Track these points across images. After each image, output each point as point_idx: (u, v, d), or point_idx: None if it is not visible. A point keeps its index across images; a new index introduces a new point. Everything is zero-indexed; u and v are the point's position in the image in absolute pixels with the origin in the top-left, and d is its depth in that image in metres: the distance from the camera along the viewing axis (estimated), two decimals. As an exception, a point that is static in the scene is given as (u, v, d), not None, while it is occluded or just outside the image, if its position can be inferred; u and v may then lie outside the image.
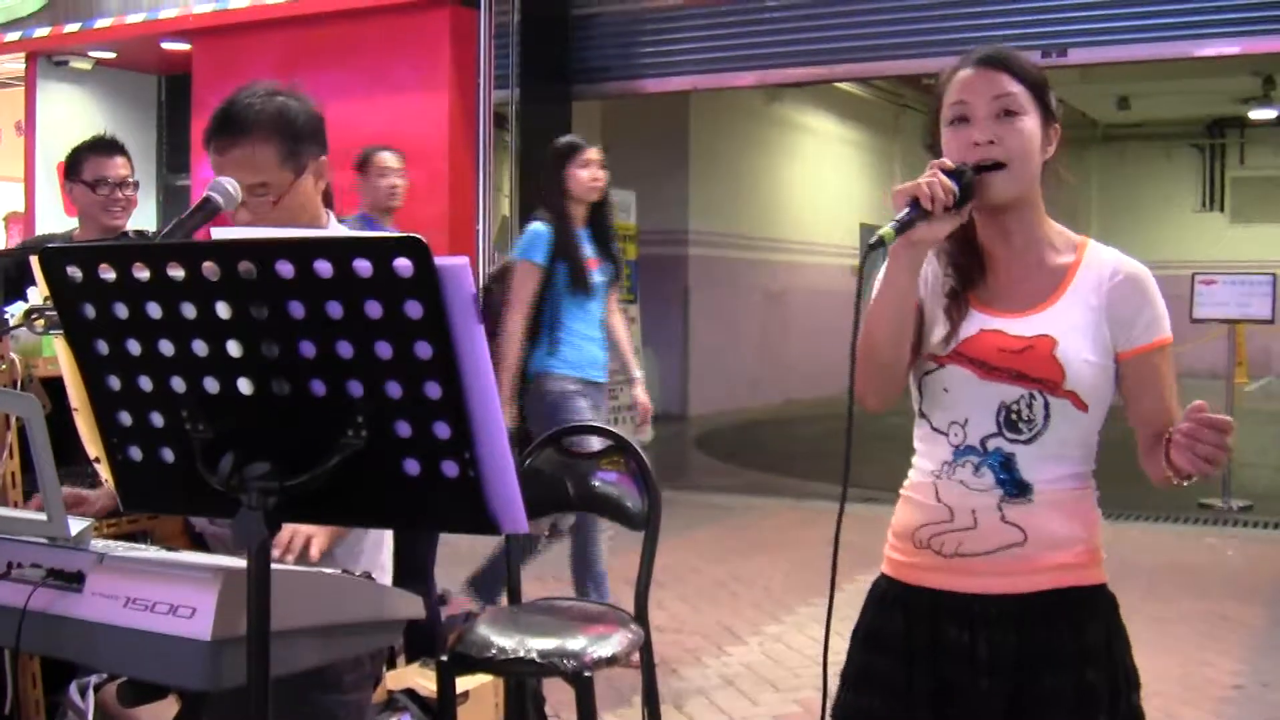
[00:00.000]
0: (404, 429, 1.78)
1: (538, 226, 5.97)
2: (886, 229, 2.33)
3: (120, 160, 4.90)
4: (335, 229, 3.03)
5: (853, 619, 2.67)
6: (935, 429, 2.53)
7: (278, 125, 2.87)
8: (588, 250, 6.04)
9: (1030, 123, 2.44)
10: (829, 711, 2.63)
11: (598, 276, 6.06)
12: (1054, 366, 2.40)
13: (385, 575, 3.10)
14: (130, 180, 4.90)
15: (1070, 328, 2.42)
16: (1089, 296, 2.45)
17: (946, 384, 2.50)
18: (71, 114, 11.77)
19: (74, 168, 4.89)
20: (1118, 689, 2.46)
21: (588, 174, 5.97)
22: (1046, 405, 2.41)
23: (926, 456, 2.56)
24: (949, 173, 2.37)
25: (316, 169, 2.96)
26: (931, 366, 2.51)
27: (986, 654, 2.45)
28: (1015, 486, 2.44)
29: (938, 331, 2.51)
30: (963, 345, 2.47)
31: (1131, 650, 2.53)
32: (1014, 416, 2.43)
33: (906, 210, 2.35)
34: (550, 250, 5.92)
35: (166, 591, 2.04)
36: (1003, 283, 2.51)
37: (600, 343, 6.17)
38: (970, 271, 2.53)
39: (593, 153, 6.02)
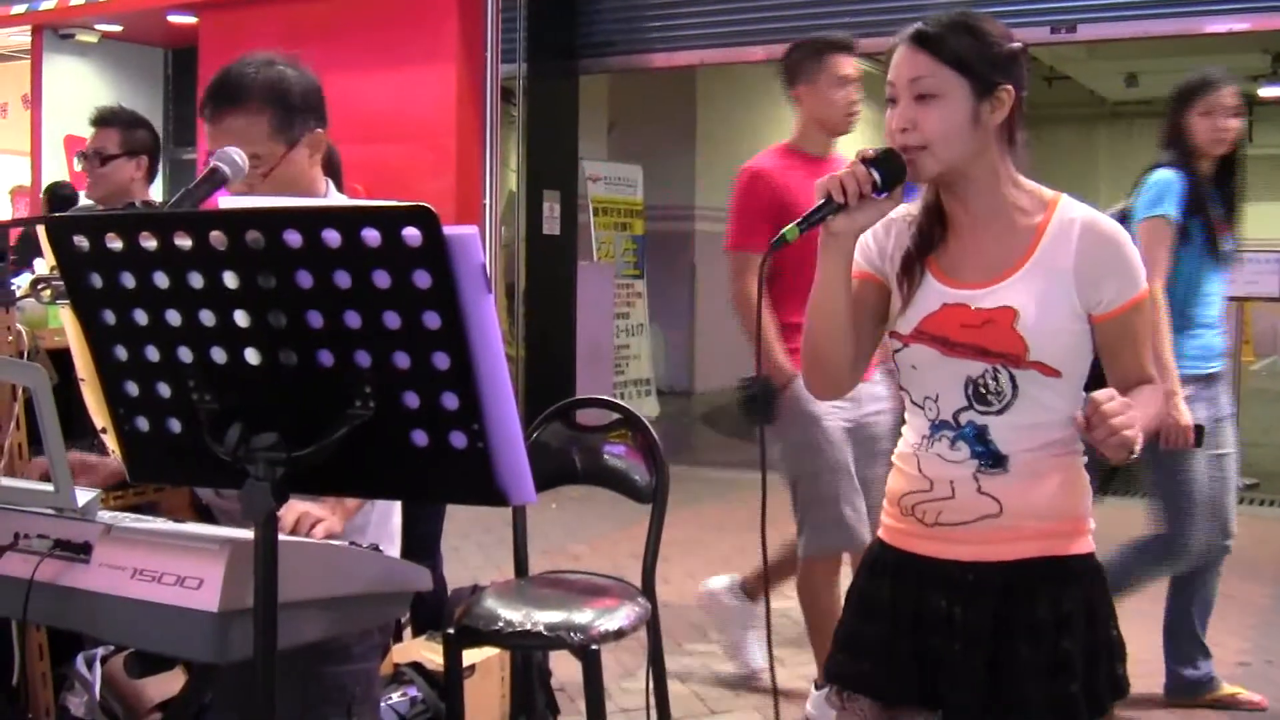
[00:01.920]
0: (412, 400, 1.78)
1: (1167, 174, 4.87)
2: (790, 227, 2.35)
3: (97, 132, 4.88)
4: (335, 200, 3.01)
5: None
6: (914, 403, 2.57)
7: (270, 95, 2.84)
8: (1216, 211, 4.96)
9: (948, 104, 2.41)
10: (824, 670, 2.71)
11: (1228, 244, 5.00)
12: (1014, 339, 2.40)
13: (394, 544, 3.10)
14: (108, 153, 4.82)
15: (1034, 296, 2.42)
16: (1057, 257, 2.44)
17: (914, 362, 2.53)
18: (77, 88, 11.74)
19: None
20: (1096, 658, 2.47)
21: (1212, 122, 4.89)
22: (1012, 377, 2.42)
23: (911, 428, 2.60)
24: (872, 160, 2.39)
25: (312, 141, 2.93)
26: (898, 345, 2.54)
27: (963, 621, 2.49)
28: (991, 458, 2.46)
29: (898, 305, 2.54)
30: (925, 323, 2.49)
31: (1115, 621, 2.54)
32: (982, 390, 2.45)
33: (817, 205, 2.38)
34: (1183, 204, 4.83)
35: (174, 563, 2.04)
36: (968, 252, 2.51)
37: (1219, 328, 5.03)
38: (931, 235, 2.54)
39: (1226, 96, 4.90)
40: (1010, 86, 2.44)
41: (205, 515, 3.24)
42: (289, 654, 2.77)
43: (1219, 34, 9.80)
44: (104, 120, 4.92)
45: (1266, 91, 20.07)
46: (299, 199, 2.59)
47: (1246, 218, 5.07)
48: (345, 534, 2.88)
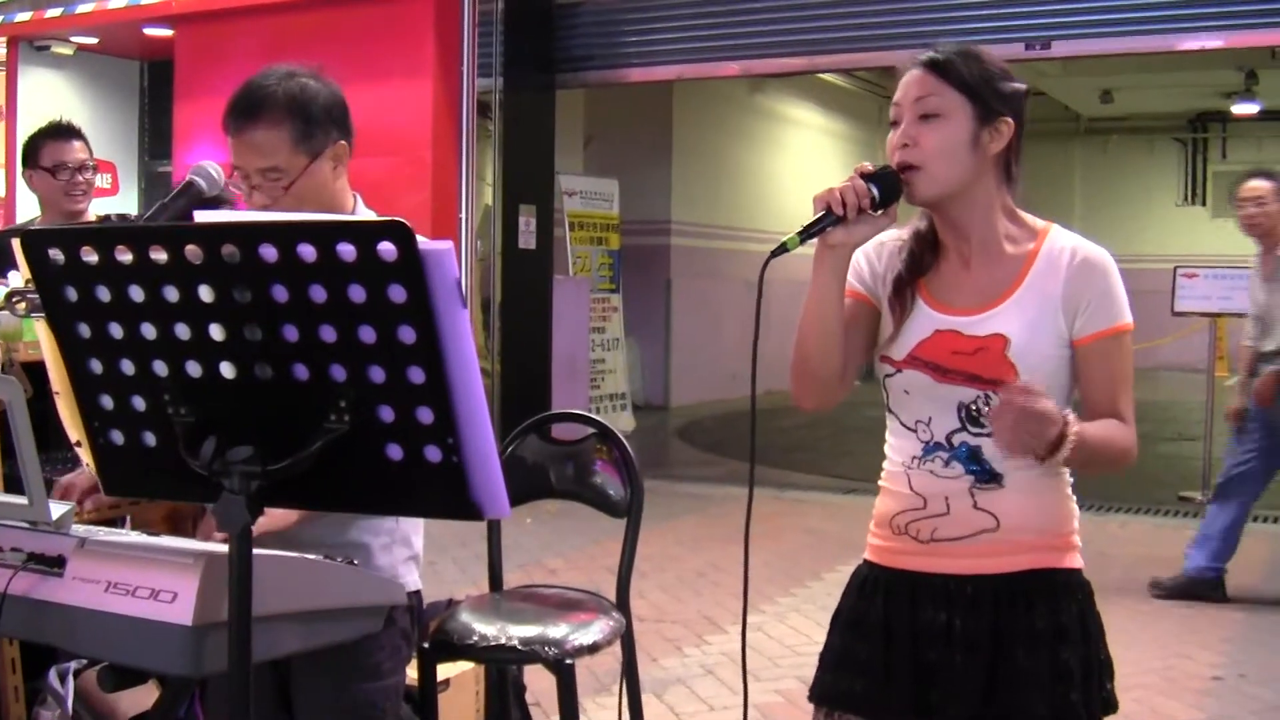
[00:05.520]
0: (387, 414, 1.78)
1: None
2: (791, 236, 2.38)
3: (78, 144, 4.92)
4: (363, 214, 2.98)
5: (832, 608, 2.70)
6: (904, 425, 2.57)
7: (291, 108, 2.81)
8: None
9: (950, 126, 2.43)
10: (809, 692, 2.68)
11: None
12: (1006, 367, 2.41)
13: (417, 534, 3.07)
14: (89, 164, 4.90)
15: (1025, 324, 2.43)
16: (1046, 284, 2.45)
17: (906, 387, 2.53)
18: (53, 99, 11.71)
19: (32, 155, 4.94)
20: (1090, 671, 2.49)
21: None
22: None
23: (898, 450, 2.59)
24: (871, 176, 2.41)
25: (335, 153, 2.89)
26: (890, 370, 2.55)
27: (962, 632, 2.49)
28: (986, 475, 2.47)
29: (889, 329, 2.55)
30: (917, 349, 2.50)
31: (1105, 639, 2.55)
32: (974, 413, 2.45)
33: (817, 216, 2.40)
34: None
35: (148, 576, 2.03)
36: (959, 278, 2.52)
37: None
38: (921, 260, 2.55)
39: None
40: (1011, 119, 2.47)
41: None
42: (321, 674, 2.78)
43: (1193, 51, 9.87)
44: (76, 133, 4.96)
45: (1239, 108, 20.21)
46: (319, 215, 2.58)
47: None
48: (376, 557, 2.90)
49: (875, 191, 2.39)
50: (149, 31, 11.42)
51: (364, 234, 1.68)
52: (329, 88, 2.91)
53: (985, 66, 2.47)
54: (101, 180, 11.63)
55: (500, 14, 10.59)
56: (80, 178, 4.87)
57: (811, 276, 2.47)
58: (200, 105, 9.84)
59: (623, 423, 13.16)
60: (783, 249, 2.37)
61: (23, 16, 11.62)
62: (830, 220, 2.40)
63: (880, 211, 2.42)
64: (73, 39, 11.97)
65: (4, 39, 11.95)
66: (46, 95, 11.84)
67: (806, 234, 2.40)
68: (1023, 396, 2.22)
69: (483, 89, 10.32)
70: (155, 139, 12.60)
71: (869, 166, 2.42)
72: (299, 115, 2.82)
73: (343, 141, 2.91)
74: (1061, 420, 2.24)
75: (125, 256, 1.82)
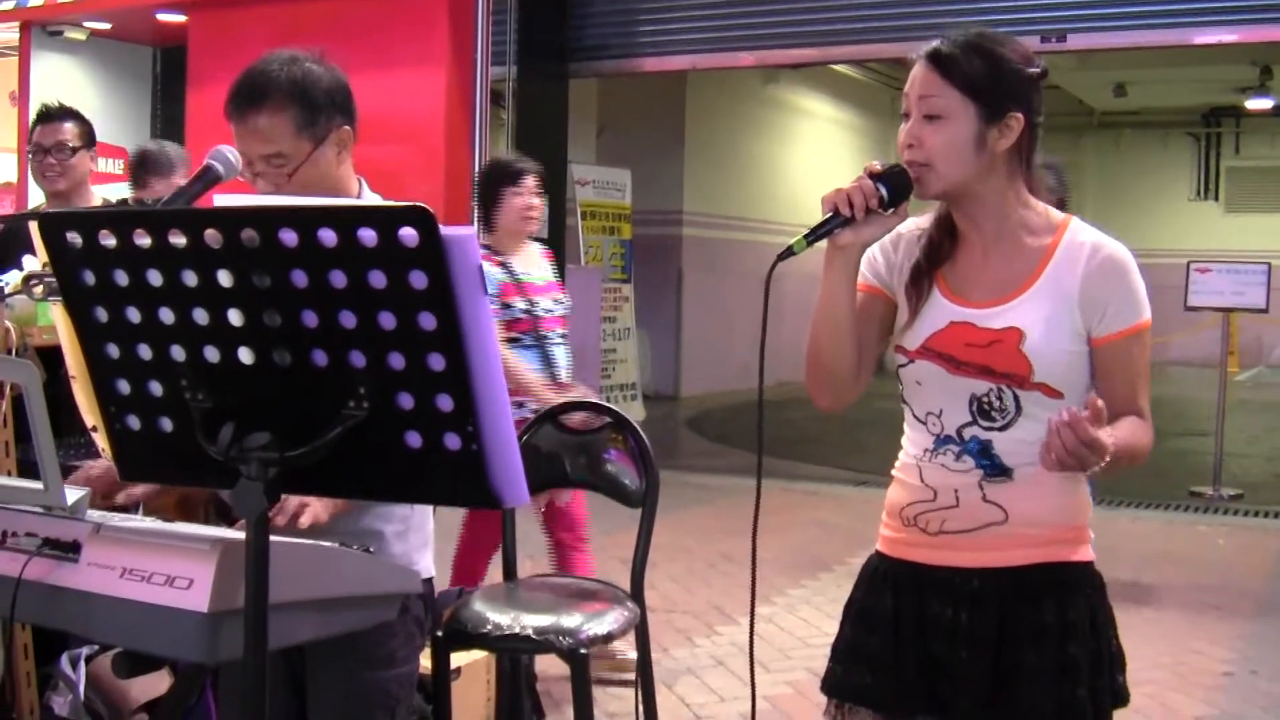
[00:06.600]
0: (406, 401, 1.77)
1: None
2: (798, 239, 2.36)
3: (60, 126, 4.96)
4: (369, 198, 2.96)
5: (843, 600, 2.69)
6: (916, 417, 2.57)
7: (294, 93, 2.78)
8: None
9: (953, 126, 2.40)
10: (821, 684, 2.68)
11: None
12: (1021, 361, 2.40)
13: (427, 548, 3.06)
14: (68, 145, 4.91)
15: (1040, 318, 2.41)
16: (1064, 279, 2.43)
17: (919, 378, 2.52)
18: (66, 85, 11.69)
19: (30, 139, 4.99)
20: (1100, 664, 2.47)
21: None
22: (1016, 397, 2.42)
23: (912, 441, 2.59)
24: (880, 175, 2.39)
25: (339, 139, 2.86)
26: (903, 361, 2.54)
27: (969, 627, 2.49)
28: (995, 469, 2.46)
29: (904, 319, 2.54)
30: (931, 340, 2.48)
31: (1117, 631, 2.54)
32: (986, 407, 2.44)
33: (825, 218, 2.39)
34: None
35: (164, 563, 2.03)
36: (976, 270, 2.50)
37: None
38: (941, 247, 2.54)
39: None
40: (1020, 114, 2.42)
41: (224, 512, 3.23)
42: (334, 662, 2.77)
43: (1208, 45, 9.85)
44: (62, 115, 4.99)
45: (1253, 104, 20.18)
46: (323, 199, 2.56)
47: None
48: (390, 545, 2.88)
49: (884, 191, 2.38)
50: (162, 17, 11.40)
51: (386, 219, 1.67)
52: (332, 72, 2.89)
53: (994, 59, 2.42)
54: (114, 166, 11.64)
55: (514, 2, 10.58)
56: (51, 159, 4.90)
57: (822, 276, 2.46)
58: (213, 92, 9.71)
59: (633, 413, 13.13)
60: (789, 252, 2.35)
61: (36, 1, 11.60)
62: (838, 222, 2.39)
63: (890, 211, 2.41)
64: (86, 24, 11.94)
65: (17, 24, 11.94)
66: (59, 81, 11.82)
67: (813, 236, 2.39)
68: (1089, 418, 2.16)
69: (496, 78, 10.30)
70: (168, 125, 12.57)
71: (878, 166, 2.41)
72: (302, 101, 2.80)
73: (347, 126, 2.89)
74: (1109, 445, 2.20)
75: (144, 240, 1.81)
